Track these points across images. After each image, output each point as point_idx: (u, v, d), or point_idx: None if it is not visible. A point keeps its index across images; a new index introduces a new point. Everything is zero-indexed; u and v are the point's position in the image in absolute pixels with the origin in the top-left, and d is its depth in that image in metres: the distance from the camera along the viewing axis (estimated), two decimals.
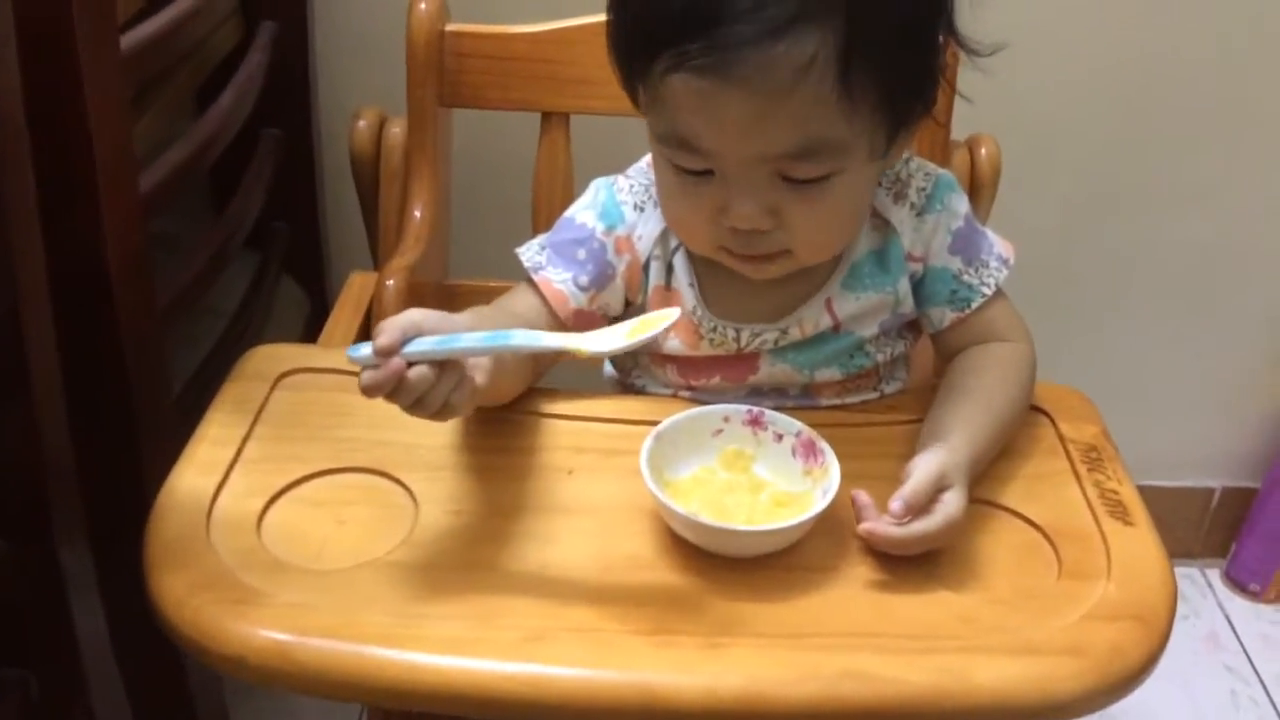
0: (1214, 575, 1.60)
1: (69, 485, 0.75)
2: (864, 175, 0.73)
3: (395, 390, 0.62)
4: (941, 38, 0.71)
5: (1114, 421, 0.81)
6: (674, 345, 0.81)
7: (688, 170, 0.71)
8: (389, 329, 0.62)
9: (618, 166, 0.84)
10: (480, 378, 0.65)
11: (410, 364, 0.62)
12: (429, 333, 0.63)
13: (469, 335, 0.64)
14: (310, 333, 1.19)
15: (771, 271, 0.75)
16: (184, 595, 0.63)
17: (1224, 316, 1.44)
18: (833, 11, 0.64)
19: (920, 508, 0.67)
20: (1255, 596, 1.56)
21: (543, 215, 1.03)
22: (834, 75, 0.65)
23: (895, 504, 0.67)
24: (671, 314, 0.63)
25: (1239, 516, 1.56)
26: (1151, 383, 1.47)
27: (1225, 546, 1.59)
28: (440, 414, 0.64)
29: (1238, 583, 1.57)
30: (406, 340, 0.62)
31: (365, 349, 0.63)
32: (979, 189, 1.00)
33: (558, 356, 0.81)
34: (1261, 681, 1.45)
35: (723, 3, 0.64)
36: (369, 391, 0.62)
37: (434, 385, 0.62)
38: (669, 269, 0.81)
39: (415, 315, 0.64)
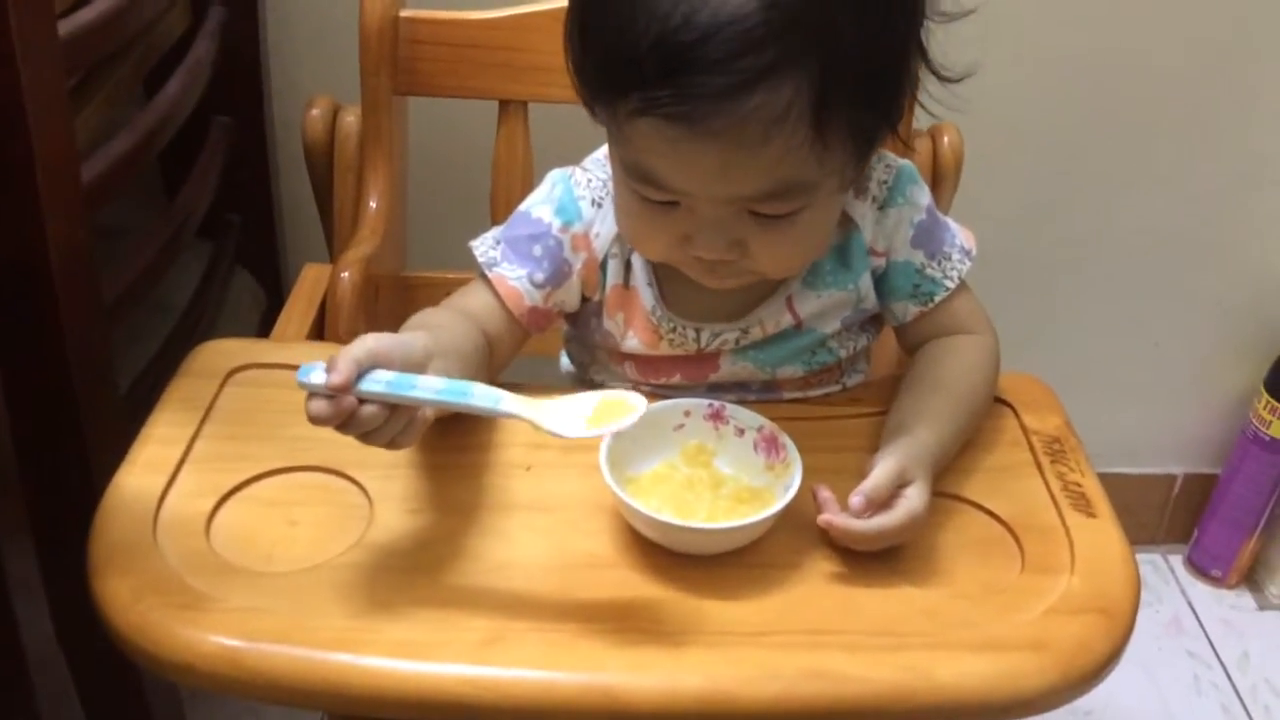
0: (1176, 561, 1.61)
1: (10, 488, 0.73)
2: (833, 203, 0.72)
3: (344, 424, 0.60)
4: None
5: (1075, 408, 0.81)
6: (633, 345, 0.80)
7: (652, 199, 0.69)
8: (343, 364, 0.59)
9: (578, 156, 0.83)
10: (430, 411, 0.63)
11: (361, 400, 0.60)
12: (385, 363, 0.61)
13: (425, 383, 0.62)
14: (266, 327, 1.16)
15: (732, 284, 0.74)
16: (129, 600, 0.61)
17: (1183, 302, 1.44)
18: (807, 59, 0.61)
19: (880, 503, 0.66)
20: (1217, 582, 1.57)
21: (501, 205, 1.01)
22: (808, 124, 0.63)
23: (855, 500, 0.66)
24: (638, 407, 0.60)
25: (1201, 502, 1.57)
26: (1112, 369, 1.48)
27: (1187, 532, 1.60)
28: (387, 447, 0.62)
29: (1200, 568, 1.58)
30: (362, 373, 0.60)
31: (316, 374, 0.60)
32: (941, 178, 0.99)
33: (514, 351, 0.80)
34: (1223, 666, 1.46)
35: (693, 49, 0.60)
36: (316, 422, 0.59)
37: (383, 425, 0.61)
38: (627, 267, 0.79)
39: (371, 344, 0.61)
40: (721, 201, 0.67)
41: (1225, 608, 1.55)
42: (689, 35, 0.60)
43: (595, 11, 0.66)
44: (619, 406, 0.60)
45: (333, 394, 0.59)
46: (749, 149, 0.63)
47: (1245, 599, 1.56)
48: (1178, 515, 1.60)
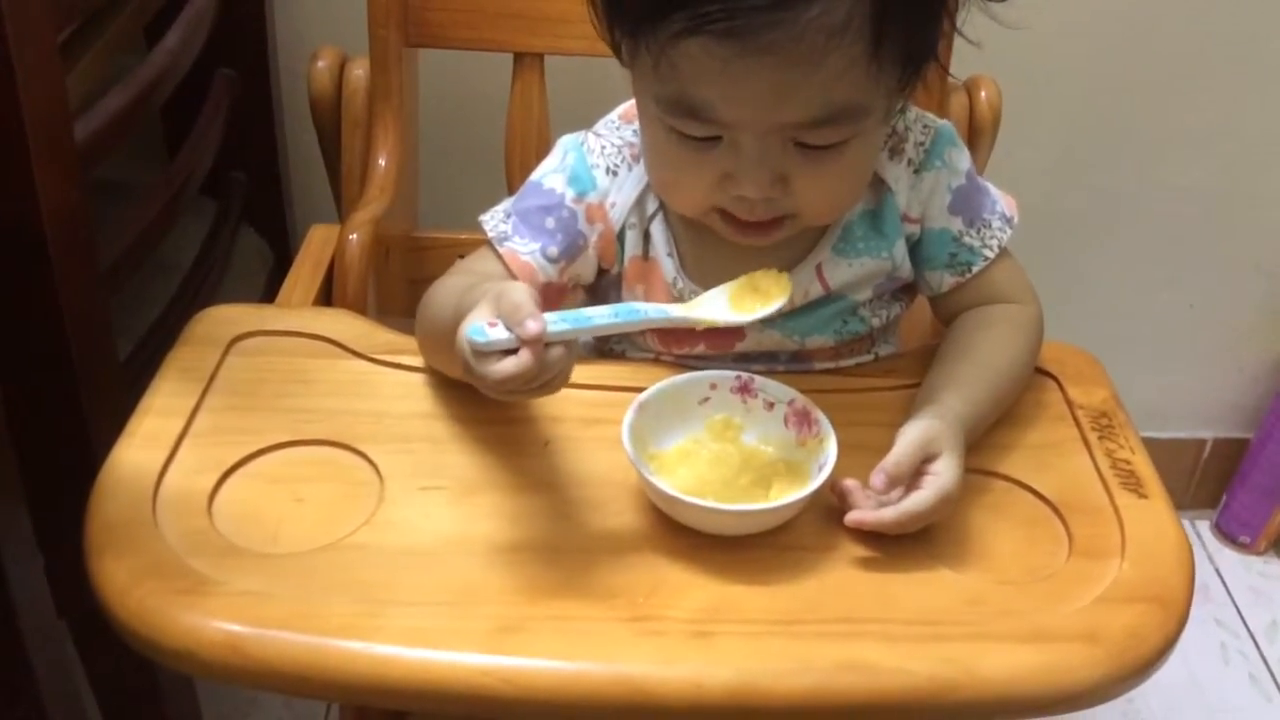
0: (1204, 527, 1.59)
1: (4, 457, 0.70)
2: (876, 136, 0.68)
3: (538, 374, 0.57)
4: None
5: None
6: None
7: (690, 136, 0.65)
8: (535, 313, 0.56)
9: (597, 112, 0.79)
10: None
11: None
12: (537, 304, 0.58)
13: (593, 313, 0.60)
14: (274, 288, 1.12)
15: (770, 239, 0.70)
16: (127, 583, 0.59)
17: (1219, 264, 1.41)
18: None
19: (903, 478, 0.63)
20: (1245, 548, 1.55)
21: (516, 163, 0.98)
22: (867, 38, 0.59)
23: (877, 478, 0.62)
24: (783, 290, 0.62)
25: (1230, 468, 1.54)
26: (1145, 330, 1.44)
27: (1216, 498, 1.57)
28: (541, 393, 0.60)
29: (1228, 535, 1.56)
30: None
31: (496, 331, 0.56)
32: (978, 135, 0.95)
33: None
34: (1251, 634, 1.44)
35: None
36: (516, 380, 0.56)
37: (566, 364, 0.58)
38: (646, 237, 0.75)
39: (525, 288, 0.58)
40: (769, 131, 0.63)
41: (1254, 575, 1.52)
42: None
43: None
44: (766, 288, 0.64)
45: (522, 345, 0.56)
46: (805, 66, 0.59)
47: (1274, 566, 1.54)
48: (1206, 481, 1.58)
